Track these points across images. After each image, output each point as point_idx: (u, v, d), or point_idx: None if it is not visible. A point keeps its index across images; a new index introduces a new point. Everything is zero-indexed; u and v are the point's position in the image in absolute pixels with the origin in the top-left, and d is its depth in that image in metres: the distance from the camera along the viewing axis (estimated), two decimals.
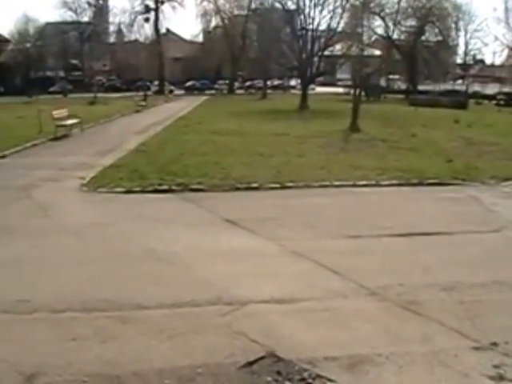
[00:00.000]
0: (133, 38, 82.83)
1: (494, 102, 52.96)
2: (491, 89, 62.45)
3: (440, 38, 65.19)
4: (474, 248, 8.42)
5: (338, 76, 78.61)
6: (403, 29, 63.86)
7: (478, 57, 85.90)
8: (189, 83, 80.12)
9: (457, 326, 5.78)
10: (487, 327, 5.78)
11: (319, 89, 71.36)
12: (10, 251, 8.22)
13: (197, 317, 6.02)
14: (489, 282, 6.96)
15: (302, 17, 44.25)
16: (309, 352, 5.31)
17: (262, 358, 5.23)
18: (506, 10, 64.00)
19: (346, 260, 7.75)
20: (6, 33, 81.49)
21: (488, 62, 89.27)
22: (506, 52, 66.23)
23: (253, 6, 61.85)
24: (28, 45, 75.09)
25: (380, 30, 63.37)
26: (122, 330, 5.74)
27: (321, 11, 43.85)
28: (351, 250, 8.34)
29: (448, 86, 62.89)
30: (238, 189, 12.43)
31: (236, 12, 73.64)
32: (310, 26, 44.18)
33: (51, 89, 69.40)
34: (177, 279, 7.09)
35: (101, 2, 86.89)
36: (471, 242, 8.72)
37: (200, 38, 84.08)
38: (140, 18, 79.72)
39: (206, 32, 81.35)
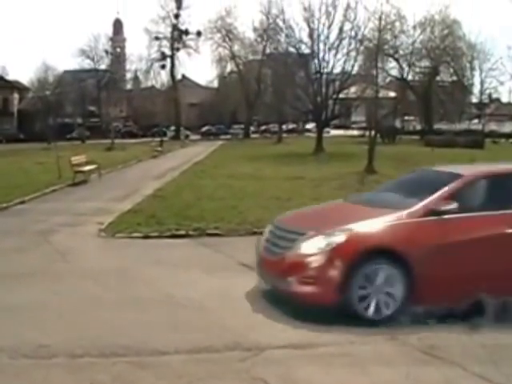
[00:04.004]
0: (149, 84, 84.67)
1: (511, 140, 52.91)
2: (508, 127, 62.32)
3: (455, 77, 65.76)
4: None
5: (353, 118, 78.93)
6: (417, 70, 64.60)
7: (494, 95, 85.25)
8: (204, 128, 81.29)
9: (480, 371, 5.65)
10: (511, 371, 5.66)
11: (334, 131, 71.80)
12: (30, 296, 8.24)
13: (215, 362, 5.97)
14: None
15: (317, 61, 44.65)
16: None
17: None
18: None
19: None
20: (26, 81, 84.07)
21: (504, 100, 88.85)
22: None
23: (267, 50, 62.75)
24: (47, 92, 76.91)
25: (394, 72, 64.15)
26: (140, 376, 5.69)
27: (335, 55, 44.20)
28: None
29: (464, 126, 62.94)
30: (254, 233, 12.37)
31: (251, 57, 74.84)
32: (325, 70, 44.51)
33: (69, 135, 70.65)
34: (195, 324, 7.04)
35: (118, 49, 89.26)
36: None
37: (215, 84, 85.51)
38: (156, 64, 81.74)
39: (221, 77, 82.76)
